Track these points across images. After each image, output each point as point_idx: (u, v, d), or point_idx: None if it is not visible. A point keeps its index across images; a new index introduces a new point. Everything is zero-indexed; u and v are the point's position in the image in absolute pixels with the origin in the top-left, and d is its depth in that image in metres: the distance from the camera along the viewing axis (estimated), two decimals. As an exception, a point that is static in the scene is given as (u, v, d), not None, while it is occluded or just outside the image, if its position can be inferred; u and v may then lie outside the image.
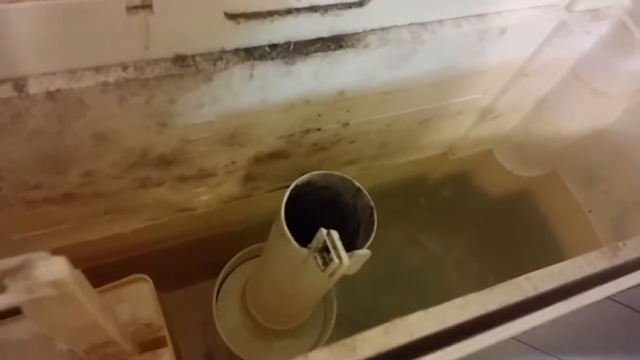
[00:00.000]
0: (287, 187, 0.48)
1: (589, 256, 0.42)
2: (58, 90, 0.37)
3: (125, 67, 0.39)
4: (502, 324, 0.39)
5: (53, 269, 0.30)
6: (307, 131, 0.57)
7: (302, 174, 0.50)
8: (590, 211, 0.77)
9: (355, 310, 0.90)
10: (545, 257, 0.85)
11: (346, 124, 0.59)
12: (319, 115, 0.55)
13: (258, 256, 0.71)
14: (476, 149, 0.79)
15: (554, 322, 0.41)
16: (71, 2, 0.34)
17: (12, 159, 0.42)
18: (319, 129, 0.58)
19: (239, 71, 0.43)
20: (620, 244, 0.43)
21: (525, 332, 0.41)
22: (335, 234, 0.39)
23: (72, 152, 0.44)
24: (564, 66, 0.63)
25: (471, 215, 0.88)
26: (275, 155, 0.59)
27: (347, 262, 0.38)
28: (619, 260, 0.43)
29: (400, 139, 0.69)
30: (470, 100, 0.65)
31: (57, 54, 0.37)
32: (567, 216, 0.81)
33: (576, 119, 0.69)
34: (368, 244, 0.44)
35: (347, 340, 0.34)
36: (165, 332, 0.58)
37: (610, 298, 0.44)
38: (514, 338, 0.42)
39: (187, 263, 0.73)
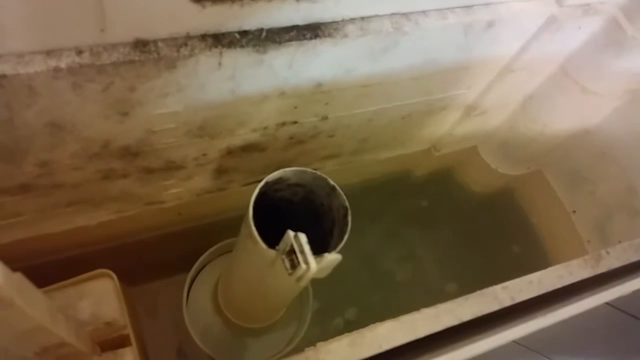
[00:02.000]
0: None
1: (570, 265, 0.40)
2: (4, 76, 0.34)
3: (79, 52, 0.36)
4: (482, 331, 0.37)
5: (-16, 274, 0.27)
6: (283, 124, 0.55)
7: (279, 168, 0.48)
8: (574, 211, 0.76)
9: (333, 305, 0.89)
10: (527, 255, 0.84)
11: (325, 118, 0.57)
12: (295, 107, 0.52)
13: (232, 251, 0.69)
14: (460, 146, 0.77)
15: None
16: None
17: (-42, 148, 0.39)
18: (295, 122, 0.55)
19: (205, 58, 0.40)
20: (603, 252, 0.41)
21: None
22: (303, 237, 0.37)
23: (25, 141, 0.41)
24: (553, 63, 0.61)
25: (454, 212, 0.86)
26: (249, 148, 0.56)
27: (314, 267, 0.36)
28: (601, 269, 0.41)
29: (382, 134, 0.66)
30: (455, 96, 0.63)
31: (2, 34, 0.33)
32: (551, 216, 0.79)
33: (563, 118, 0.67)
34: (340, 246, 0.42)
35: (310, 353, 0.32)
36: (129, 331, 0.55)
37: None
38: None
39: (157, 257, 0.70)
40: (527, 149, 0.72)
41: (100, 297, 0.54)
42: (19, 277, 0.31)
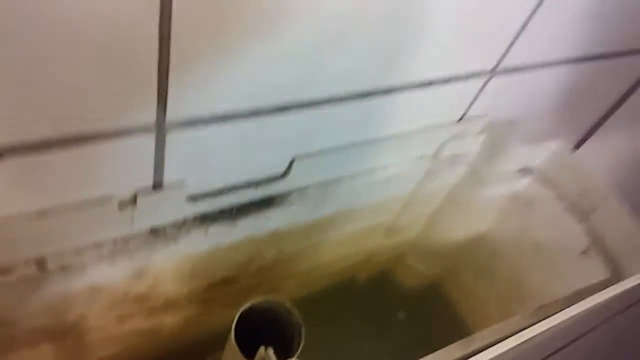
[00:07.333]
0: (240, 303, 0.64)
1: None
2: (69, 264, 0.52)
3: (115, 241, 0.55)
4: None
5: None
6: (252, 260, 0.74)
7: (250, 290, 0.66)
8: (485, 300, 0.96)
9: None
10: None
11: (282, 251, 0.76)
12: (260, 248, 0.72)
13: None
14: (391, 253, 0.98)
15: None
16: (75, 201, 0.50)
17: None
18: (260, 258, 0.74)
19: (196, 231, 0.60)
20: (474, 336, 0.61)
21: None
22: (270, 350, 0.54)
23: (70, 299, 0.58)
24: (442, 191, 0.84)
25: (394, 308, 1.05)
26: (226, 281, 0.75)
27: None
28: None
29: (328, 254, 0.86)
30: (378, 220, 0.85)
31: (65, 237, 0.52)
32: (473, 305, 0.99)
33: (460, 228, 0.89)
34: (297, 354, 0.60)
35: None
36: None
37: None
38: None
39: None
40: (440, 251, 0.94)
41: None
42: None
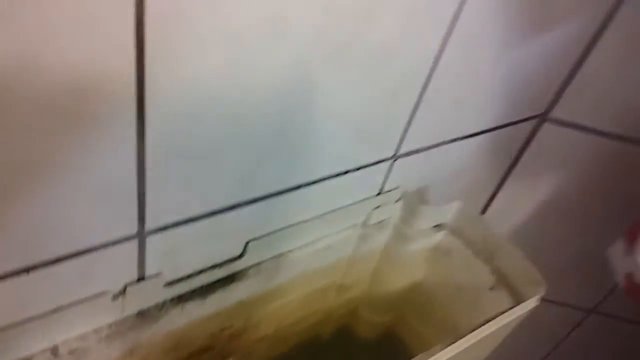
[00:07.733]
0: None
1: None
2: (76, 348, 0.66)
3: (110, 325, 0.70)
4: None
5: None
6: (224, 329, 0.88)
7: (226, 357, 0.80)
8: (430, 339, 1.11)
9: None
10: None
11: (249, 318, 0.91)
12: (230, 316, 0.87)
13: None
14: (346, 309, 1.13)
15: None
16: (79, 298, 0.64)
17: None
18: (231, 326, 0.89)
19: (174, 310, 0.75)
20: None
21: None
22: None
23: (75, 381, 0.72)
24: (377, 251, 1.02)
25: (357, 358, 1.19)
26: (204, 349, 0.88)
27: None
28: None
29: (290, 316, 1.01)
30: (328, 281, 1.01)
31: (73, 327, 0.66)
32: (422, 345, 1.14)
33: (399, 279, 1.06)
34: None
35: None
36: None
37: None
38: None
39: None
40: (387, 302, 1.10)
41: None
42: None
